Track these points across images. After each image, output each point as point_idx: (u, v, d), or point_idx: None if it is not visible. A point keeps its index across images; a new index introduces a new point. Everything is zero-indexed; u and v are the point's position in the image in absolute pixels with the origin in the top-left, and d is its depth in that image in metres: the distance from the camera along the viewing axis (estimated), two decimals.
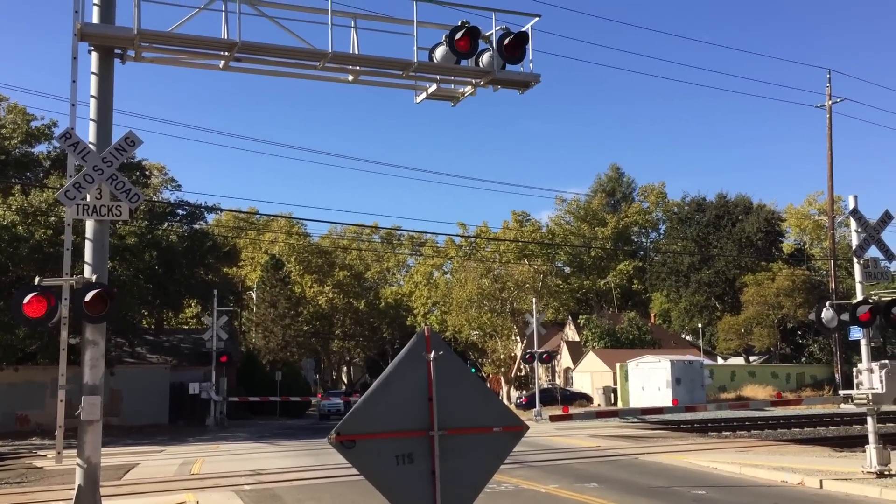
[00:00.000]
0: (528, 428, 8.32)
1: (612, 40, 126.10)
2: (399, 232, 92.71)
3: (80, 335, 11.10)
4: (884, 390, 16.30)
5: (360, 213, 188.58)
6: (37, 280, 10.63)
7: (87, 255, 11.17)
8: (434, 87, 13.86)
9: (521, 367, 59.99)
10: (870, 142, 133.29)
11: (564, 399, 50.88)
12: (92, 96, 11.47)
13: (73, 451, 11.13)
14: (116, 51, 11.65)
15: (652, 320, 78.39)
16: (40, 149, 43.63)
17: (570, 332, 72.67)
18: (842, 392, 19.00)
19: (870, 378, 16.46)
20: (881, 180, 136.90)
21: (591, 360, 60.70)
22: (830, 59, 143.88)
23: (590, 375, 59.70)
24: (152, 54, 12.11)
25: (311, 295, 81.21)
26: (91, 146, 11.09)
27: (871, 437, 16.31)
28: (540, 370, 50.32)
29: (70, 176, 11.17)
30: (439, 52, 13.12)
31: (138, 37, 11.34)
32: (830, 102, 52.15)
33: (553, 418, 26.46)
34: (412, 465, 7.57)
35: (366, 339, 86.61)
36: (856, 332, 17.23)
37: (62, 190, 10.85)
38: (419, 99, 14.12)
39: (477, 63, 13.24)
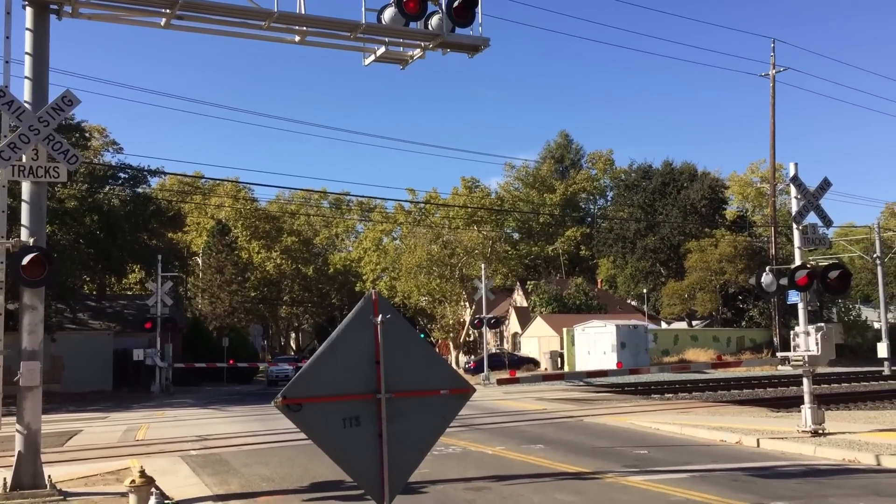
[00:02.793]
0: (474, 390, 8.40)
1: (561, 6, 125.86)
2: (348, 197, 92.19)
3: (18, 300, 10.87)
4: (819, 352, 16.86)
5: (308, 178, 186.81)
6: None
7: (24, 217, 10.90)
8: (382, 49, 13.71)
9: (470, 332, 60.51)
10: (812, 111, 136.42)
11: (512, 364, 51.45)
12: (27, 53, 11.11)
13: (13, 419, 10.93)
14: (52, 6, 11.27)
15: (599, 286, 79.55)
16: None
17: (519, 298, 73.40)
18: (779, 354, 19.61)
19: (806, 341, 16.98)
20: (822, 149, 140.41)
21: (539, 326, 61.46)
22: (775, 29, 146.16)
23: (537, 340, 60.47)
24: (90, 10, 11.73)
25: (259, 261, 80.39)
26: (26, 105, 10.77)
27: (807, 398, 16.88)
28: (488, 335, 50.79)
29: (4, 136, 10.84)
30: (388, 14, 12.97)
31: None
32: (774, 71, 53.05)
33: (500, 382, 26.74)
34: (359, 427, 7.59)
35: (314, 304, 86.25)
36: (794, 296, 17.78)
37: None
38: (367, 61, 13.95)
39: (426, 26, 13.12)
